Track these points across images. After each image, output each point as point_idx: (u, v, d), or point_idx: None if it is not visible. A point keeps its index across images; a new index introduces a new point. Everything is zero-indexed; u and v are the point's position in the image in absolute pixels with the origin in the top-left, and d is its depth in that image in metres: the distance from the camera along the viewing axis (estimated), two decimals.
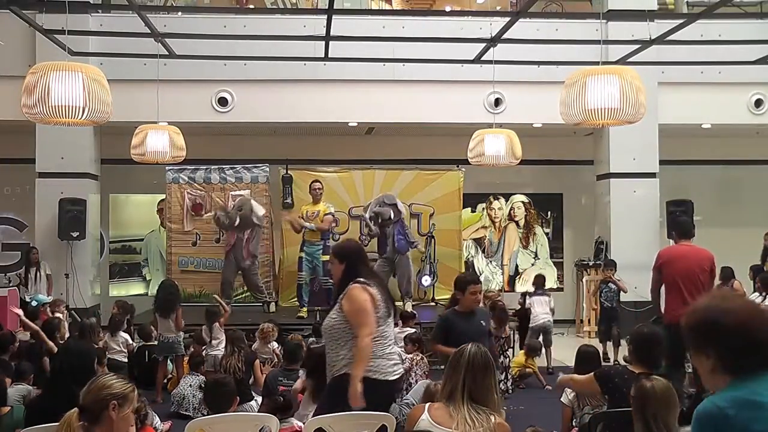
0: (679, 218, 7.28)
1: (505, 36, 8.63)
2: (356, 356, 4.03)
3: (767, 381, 1.97)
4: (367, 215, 10.35)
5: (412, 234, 10.90)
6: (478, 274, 13.59)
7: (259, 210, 10.58)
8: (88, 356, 4.01)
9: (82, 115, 5.92)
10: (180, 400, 7.10)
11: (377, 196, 10.68)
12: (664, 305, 6.68)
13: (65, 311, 9.20)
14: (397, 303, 10.48)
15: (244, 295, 11.00)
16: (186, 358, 7.82)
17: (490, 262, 13.80)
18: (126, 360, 8.07)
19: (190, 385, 7.14)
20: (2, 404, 4.72)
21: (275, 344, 7.93)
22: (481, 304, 6.41)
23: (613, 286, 9.62)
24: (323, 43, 9.42)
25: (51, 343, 6.77)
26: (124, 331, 8.27)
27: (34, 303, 9.47)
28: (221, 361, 6.95)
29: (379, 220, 10.18)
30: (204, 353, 7.95)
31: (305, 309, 10.20)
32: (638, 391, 3.31)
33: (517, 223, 13.86)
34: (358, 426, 3.87)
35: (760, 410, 1.90)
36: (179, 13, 12.42)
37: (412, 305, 10.70)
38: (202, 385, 6.98)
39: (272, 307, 10.76)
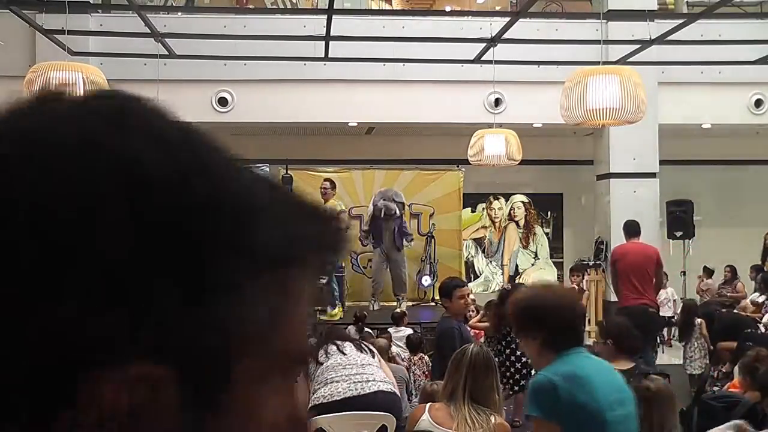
0: (627, 221, 8.31)
1: (505, 36, 8.63)
2: None
3: (583, 356, 2.36)
4: (370, 206, 10.45)
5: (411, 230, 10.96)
6: (478, 274, 13.62)
7: None
8: None
9: None
10: None
11: (381, 189, 10.74)
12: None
13: None
14: (391, 303, 10.69)
15: None
16: None
17: (490, 262, 13.80)
18: None
19: None
20: None
21: None
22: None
23: None
24: (323, 43, 9.41)
25: None
26: None
27: None
28: None
29: (383, 215, 10.27)
30: None
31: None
32: (641, 393, 3.29)
33: (517, 223, 13.86)
34: (358, 426, 3.87)
35: (581, 382, 2.26)
36: (179, 13, 12.42)
37: (412, 305, 10.76)
38: None
39: None
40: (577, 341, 2.39)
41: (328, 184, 10.47)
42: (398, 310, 9.33)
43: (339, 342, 4.20)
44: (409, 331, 8.09)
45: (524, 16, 8.31)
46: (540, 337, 2.37)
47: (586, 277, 11.62)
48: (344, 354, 4.08)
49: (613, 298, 9.12)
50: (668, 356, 9.50)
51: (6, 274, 0.37)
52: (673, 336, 11.00)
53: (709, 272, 11.42)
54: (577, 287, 8.93)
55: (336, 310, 9.91)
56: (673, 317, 10.07)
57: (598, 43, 8.27)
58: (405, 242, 10.55)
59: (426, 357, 7.19)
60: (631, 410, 2.36)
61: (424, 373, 6.85)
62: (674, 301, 9.95)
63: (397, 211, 10.39)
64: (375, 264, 10.67)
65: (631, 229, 8.03)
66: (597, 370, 2.37)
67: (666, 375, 3.62)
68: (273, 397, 0.43)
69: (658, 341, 9.32)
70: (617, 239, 11.09)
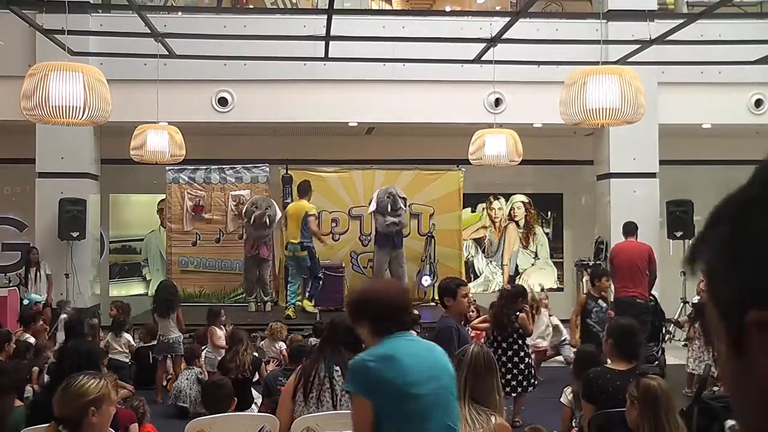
0: (625, 221, 9.13)
1: (505, 36, 8.62)
2: None
3: (403, 339, 2.73)
4: (373, 204, 10.49)
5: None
6: (478, 274, 13.61)
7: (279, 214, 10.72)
8: (93, 355, 4.01)
9: (81, 116, 5.92)
10: (177, 393, 7.13)
11: (384, 187, 10.78)
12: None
13: (71, 311, 9.22)
14: None
15: (244, 295, 11.00)
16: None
17: (490, 262, 13.80)
18: (128, 360, 8.08)
19: (187, 378, 7.16)
20: (20, 398, 4.71)
21: (283, 344, 7.91)
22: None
23: (604, 305, 7.48)
24: (323, 43, 9.41)
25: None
26: (125, 331, 8.29)
27: (25, 302, 9.46)
28: (232, 357, 6.68)
29: (389, 209, 10.34)
30: (203, 353, 7.95)
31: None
32: (647, 392, 3.29)
33: (517, 223, 13.86)
34: (346, 425, 3.87)
35: (391, 361, 2.61)
36: (179, 13, 12.42)
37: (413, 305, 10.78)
38: (199, 377, 6.99)
39: (268, 307, 10.79)
40: (398, 327, 2.74)
41: (306, 184, 10.45)
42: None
43: (335, 381, 3.96)
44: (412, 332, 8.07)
45: (524, 16, 8.30)
46: (368, 324, 2.76)
47: (585, 278, 11.60)
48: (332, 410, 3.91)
49: (612, 297, 9.23)
50: (665, 356, 9.51)
51: None
52: (673, 337, 11.00)
53: None
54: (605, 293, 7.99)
55: (311, 303, 9.99)
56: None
57: (598, 43, 8.26)
58: (398, 245, 10.58)
59: None
60: (445, 384, 2.71)
61: None
62: None
63: (403, 206, 10.51)
64: (377, 263, 10.71)
65: (627, 228, 8.92)
66: (411, 351, 2.71)
67: (661, 374, 3.61)
68: None
69: (663, 332, 9.42)
70: (617, 239, 11.08)
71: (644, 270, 8.32)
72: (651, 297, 8.66)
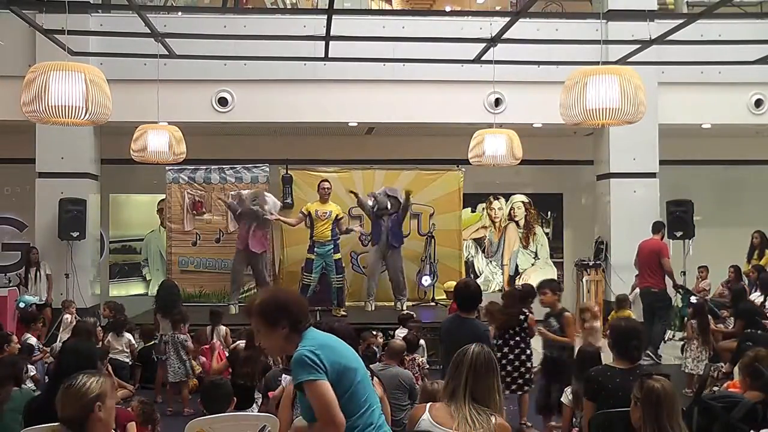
0: (655, 221, 10.26)
1: (505, 36, 8.63)
2: None
3: (318, 332, 3.06)
4: (371, 200, 10.49)
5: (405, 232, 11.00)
6: (478, 274, 13.61)
7: (270, 199, 10.68)
8: (93, 355, 4.02)
9: (82, 116, 5.92)
10: None
11: (381, 188, 10.76)
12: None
13: (74, 312, 9.21)
14: (389, 303, 10.69)
15: (243, 295, 11.00)
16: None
17: (490, 262, 13.80)
18: (128, 360, 8.07)
19: None
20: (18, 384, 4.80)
21: None
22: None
23: (555, 324, 6.45)
24: (323, 43, 9.42)
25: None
26: (127, 331, 8.28)
27: (21, 304, 9.41)
28: (245, 362, 6.56)
29: (375, 209, 10.30)
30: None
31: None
32: (649, 393, 3.27)
33: (517, 223, 13.85)
34: None
35: (327, 347, 2.97)
36: (179, 13, 12.42)
37: (412, 305, 10.76)
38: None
39: None
40: (309, 323, 3.08)
41: (328, 185, 10.44)
42: (404, 312, 9.30)
43: None
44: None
45: (524, 16, 8.31)
46: (287, 324, 3.00)
47: (585, 278, 11.59)
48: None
49: (613, 298, 9.33)
50: (665, 355, 9.54)
51: None
52: (673, 336, 10.99)
53: (706, 270, 11.42)
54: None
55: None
56: None
57: (598, 43, 8.26)
58: (395, 245, 10.51)
59: (421, 358, 7.12)
60: (363, 364, 3.14)
61: (415, 375, 6.70)
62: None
63: (389, 205, 10.38)
64: (371, 262, 10.69)
65: (653, 227, 10.06)
66: (331, 338, 3.09)
67: (667, 375, 3.59)
68: None
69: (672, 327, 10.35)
70: (617, 239, 11.14)
71: (656, 264, 9.60)
72: (682, 288, 10.15)
